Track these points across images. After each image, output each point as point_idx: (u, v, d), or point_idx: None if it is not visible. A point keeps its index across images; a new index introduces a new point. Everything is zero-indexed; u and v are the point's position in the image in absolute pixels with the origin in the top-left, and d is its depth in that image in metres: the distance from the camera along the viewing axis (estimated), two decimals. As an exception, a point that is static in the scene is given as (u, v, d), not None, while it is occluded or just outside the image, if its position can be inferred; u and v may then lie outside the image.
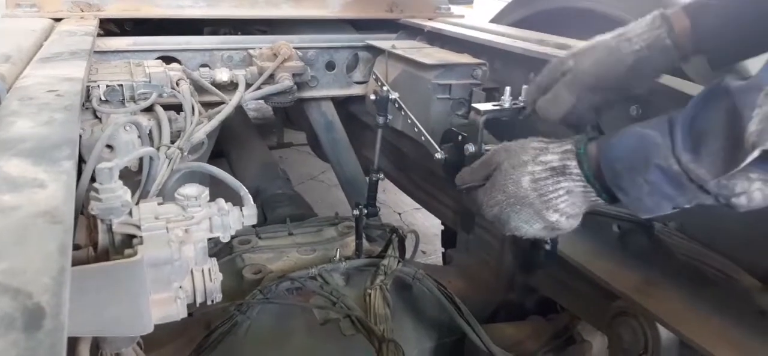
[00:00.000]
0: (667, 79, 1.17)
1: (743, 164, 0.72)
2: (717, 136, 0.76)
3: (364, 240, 1.65)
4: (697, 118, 0.79)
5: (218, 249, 1.59)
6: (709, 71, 1.36)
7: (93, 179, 0.94)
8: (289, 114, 3.74)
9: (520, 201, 0.94)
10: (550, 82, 1.10)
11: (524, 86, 1.24)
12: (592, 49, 1.05)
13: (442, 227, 2.55)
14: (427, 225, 3.37)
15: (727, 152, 0.75)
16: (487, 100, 1.50)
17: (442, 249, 2.63)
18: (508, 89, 1.25)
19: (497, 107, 1.24)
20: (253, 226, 1.66)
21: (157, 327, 0.84)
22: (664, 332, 1.21)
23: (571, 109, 1.07)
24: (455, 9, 2.51)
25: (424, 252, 3.20)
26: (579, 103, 1.06)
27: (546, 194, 0.92)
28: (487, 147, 1.29)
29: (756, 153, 0.71)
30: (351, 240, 1.71)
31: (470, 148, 1.26)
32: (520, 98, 1.25)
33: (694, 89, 1.16)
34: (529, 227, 0.96)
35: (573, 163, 0.91)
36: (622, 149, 0.86)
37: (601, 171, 0.88)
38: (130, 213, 0.86)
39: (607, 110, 1.11)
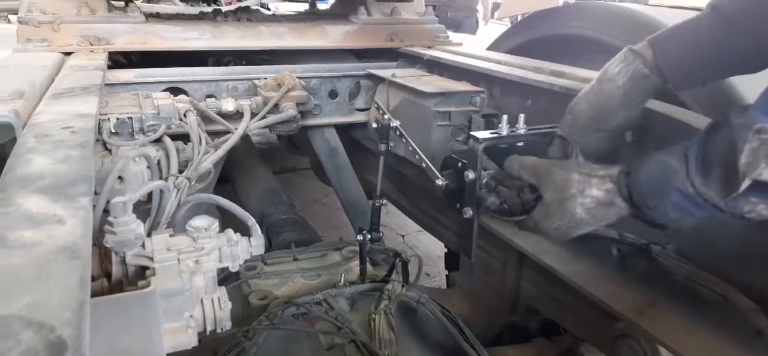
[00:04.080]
0: (662, 107, 1.22)
1: (740, 191, 0.84)
2: (721, 164, 0.89)
3: (368, 265, 1.67)
4: (705, 147, 0.92)
5: (224, 276, 1.61)
6: (709, 97, 1.42)
7: (106, 211, 0.97)
8: (294, 140, 3.78)
9: (578, 224, 1.08)
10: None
11: (521, 115, 1.27)
12: (580, 99, 1.17)
13: (446, 250, 2.57)
14: (432, 247, 3.38)
15: (728, 178, 0.87)
16: (486, 126, 1.54)
17: (446, 272, 2.65)
18: (505, 117, 1.29)
19: (495, 135, 1.27)
20: (259, 252, 1.69)
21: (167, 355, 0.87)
22: (665, 353, 1.22)
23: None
24: (454, 37, 2.56)
25: (428, 274, 3.21)
26: (583, 147, 1.17)
27: (601, 218, 1.06)
28: (487, 173, 1.33)
29: (747, 182, 0.83)
30: (355, 265, 1.73)
31: (470, 175, 1.30)
32: (517, 125, 1.28)
33: (685, 115, 1.20)
34: (585, 230, 1.10)
35: (619, 198, 1.04)
36: (648, 174, 0.99)
37: (631, 194, 1.01)
38: (143, 245, 0.89)
39: (607, 147, 1.18)
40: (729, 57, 1.06)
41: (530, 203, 1.16)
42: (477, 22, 9.48)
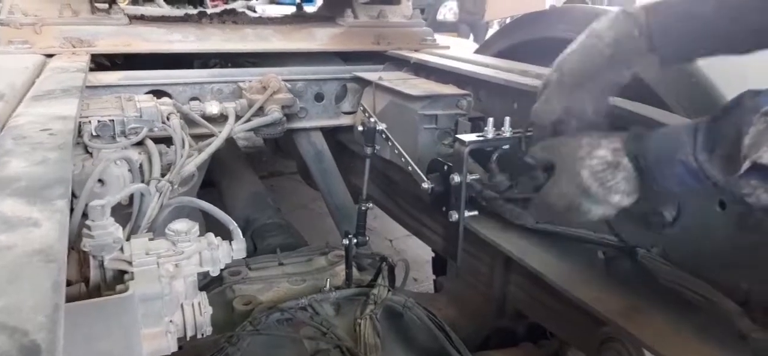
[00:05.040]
0: (644, 109, 1.23)
1: (740, 172, 0.86)
2: (726, 143, 0.90)
3: (354, 269, 1.66)
4: (715, 125, 0.93)
5: (208, 281, 1.60)
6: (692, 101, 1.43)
7: (85, 215, 0.95)
8: (280, 143, 3.76)
9: (585, 191, 1.07)
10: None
11: (507, 118, 1.27)
12: (571, 53, 1.17)
13: (433, 254, 2.57)
14: (419, 252, 3.37)
15: (731, 158, 0.89)
16: (473, 129, 1.54)
17: (434, 276, 2.64)
18: (490, 120, 1.29)
19: (481, 138, 1.27)
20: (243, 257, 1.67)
21: (147, 361, 0.85)
22: (650, 357, 1.23)
23: (564, 111, 1.17)
24: (442, 37, 2.56)
25: (415, 279, 3.20)
26: (570, 103, 1.17)
27: (606, 183, 1.05)
28: (473, 176, 1.32)
29: (747, 164, 0.85)
30: (341, 270, 1.72)
31: (456, 178, 1.29)
32: (502, 128, 1.28)
33: (668, 117, 1.21)
34: (597, 209, 1.09)
35: (625, 160, 1.04)
36: (656, 143, 1.01)
37: (638, 161, 1.02)
38: (122, 249, 0.88)
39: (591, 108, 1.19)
40: (719, 35, 1.07)
41: (541, 182, 1.16)
42: (486, 24, 9.39)
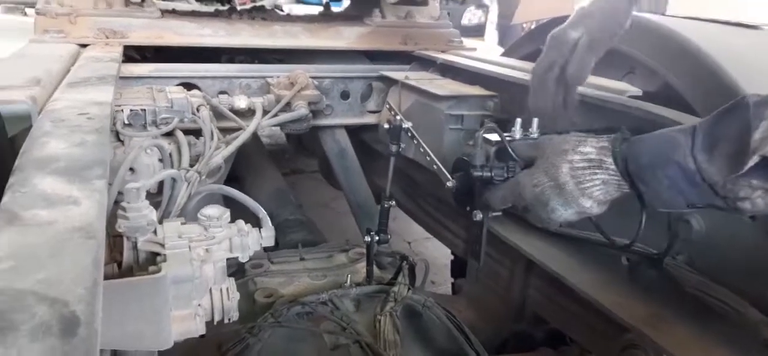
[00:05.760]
0: (660, 110, 1.24)
1: (746, 168, 0.82)
2: (730, 141, 0.86)
3: (375, 267, 1.67)
4: (717, 125, 0.90)
5: (231, 273, 1.61)
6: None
7: (116, 203, 0.98)
8: (303, 140, 3.79)
9: (559, 186, 1.05)
10: (560, 56, 1.27)
11: (535, 119, 1.27)
12: (591, 14, 1.25)
13: (452, 257, 2.56)
14: (437, 255, 3.37)
15: (735, 156, 0.85)
16: (499, 131, 1.54)
17: (452, 279, 2.64)
18: (519, 120, 1.29)
19: (508, 138, 1.27)
20: (266, 250, 1.69)
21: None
22: (673, 365, 1.21)
23: (586, 31, 1.26)
24: (467, 42, 2.57)
25: (433, 282, 3.20)
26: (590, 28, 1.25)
27: (583, 181, 1.03)
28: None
29: (756, 158, 0.81)
30: (362, 267, 1.73)
31: (482, 177, 1.29)
32: (530, 129, 1.28)
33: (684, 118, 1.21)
34: (564, 211, 1.07)
35: (609, 159, 1.01)
36: (650, 145, 0.97)
37: (628, 164, 0.99)
38: (155, 232, 0.90)
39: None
40: None
41: (514, 173, 1.17)
42: (521, 27, 9.33)
